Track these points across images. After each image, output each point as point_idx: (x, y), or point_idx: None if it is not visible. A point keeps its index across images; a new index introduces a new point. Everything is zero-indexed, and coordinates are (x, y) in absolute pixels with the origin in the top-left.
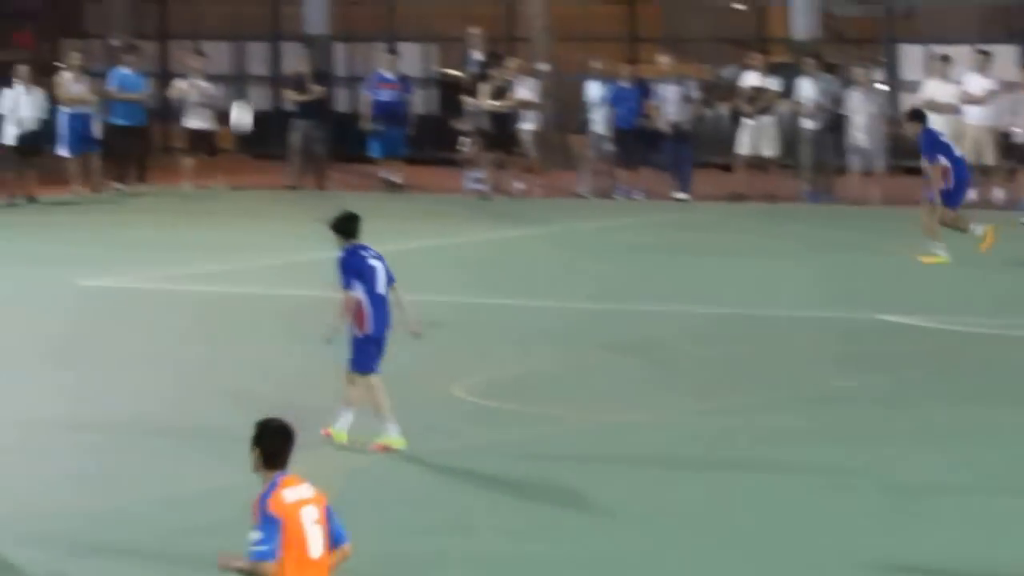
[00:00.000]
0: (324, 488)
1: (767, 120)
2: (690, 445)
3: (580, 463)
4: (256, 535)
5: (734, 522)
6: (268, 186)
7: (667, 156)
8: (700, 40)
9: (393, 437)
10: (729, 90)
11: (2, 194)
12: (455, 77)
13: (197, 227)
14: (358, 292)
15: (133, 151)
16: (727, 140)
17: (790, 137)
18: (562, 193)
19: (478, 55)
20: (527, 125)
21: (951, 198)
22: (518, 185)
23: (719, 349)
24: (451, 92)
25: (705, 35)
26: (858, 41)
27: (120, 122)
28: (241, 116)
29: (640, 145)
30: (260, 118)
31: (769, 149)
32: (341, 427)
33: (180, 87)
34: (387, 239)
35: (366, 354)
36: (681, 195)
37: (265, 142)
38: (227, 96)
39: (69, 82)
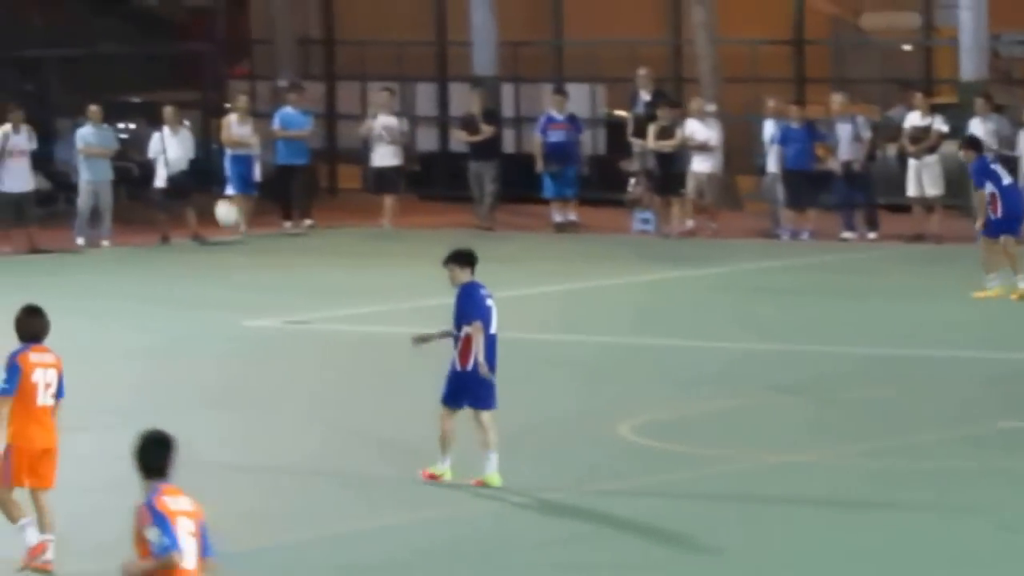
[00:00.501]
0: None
1: (931, 160)
2: (855, 487)
3: (744, 504)
4: (154, 532)
5: (905, 563)
6: (434, 226)
7: (837, 196)
8: (868, 81)
9: (490, 474)
10: (896, 131)
11: (156, 235)
12: (622, 118)
13: (361, 268)
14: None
15: (296, 190)
16: (895, 181)
17: (957, 177)
18: (729, 234)
19: (645, 96)
20: (702, 167)
21: (1001, 227)
22: (686, 225)
23: (883, 390)
24: (618, 133)
25: (873, 76)
26: None
27: (284, 161)
28: (227, 213)
29: (809, 185)
30: (427, 159)
31: (934, 189)
32: (442, 467)
33: (368, 125)
34: (554, 280)
35: (461, 390)
36: (848, 235)
37: (432, 183)
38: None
39: (233, 124)
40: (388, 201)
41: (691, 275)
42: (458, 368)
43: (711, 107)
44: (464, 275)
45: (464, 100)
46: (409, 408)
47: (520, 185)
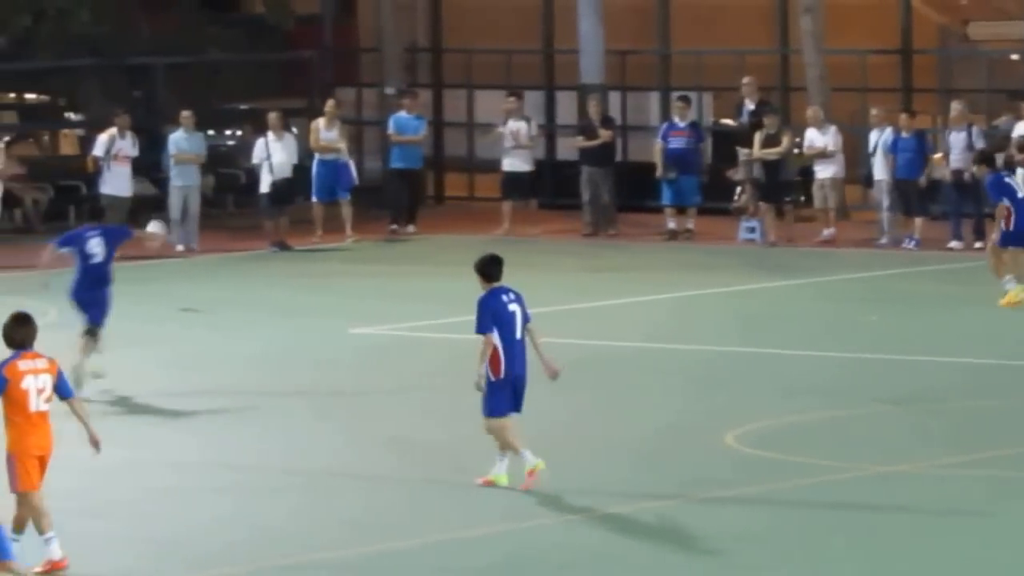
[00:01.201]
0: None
1: None
2: (960, 497)
3: (848, 514)
4: None
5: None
6: (545, 234)
7: (946, 205)
8: (975, 91)
9: (497, 474)
10: (1002, 140)
11: (263, 242)
12: (729, 126)
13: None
14: (494, 336)
15: (407, 195)
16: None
17: None
18: (836, 243)
19: (750, 104)
20: (824, 174)
21: (1011, 239)
22: (823, 234)
23: (989, 400)
24: (725, 142)
25: (979, 86)
26: None
27: (397, 165)
28: (156, 229)
29: (918, 194)
30: (536, 166)
31: None
32: (499, 471)
33: (499, 131)
34: (662, 288)
35: (500, 399)
36: (956, 244)
37: (539, 191)
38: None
39: (321, 129)
40: (506, 207)
41: (797, 284)
42: (492, 379)
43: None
44: (483, 284)
45: (571, 108)
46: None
47: (627, 193)
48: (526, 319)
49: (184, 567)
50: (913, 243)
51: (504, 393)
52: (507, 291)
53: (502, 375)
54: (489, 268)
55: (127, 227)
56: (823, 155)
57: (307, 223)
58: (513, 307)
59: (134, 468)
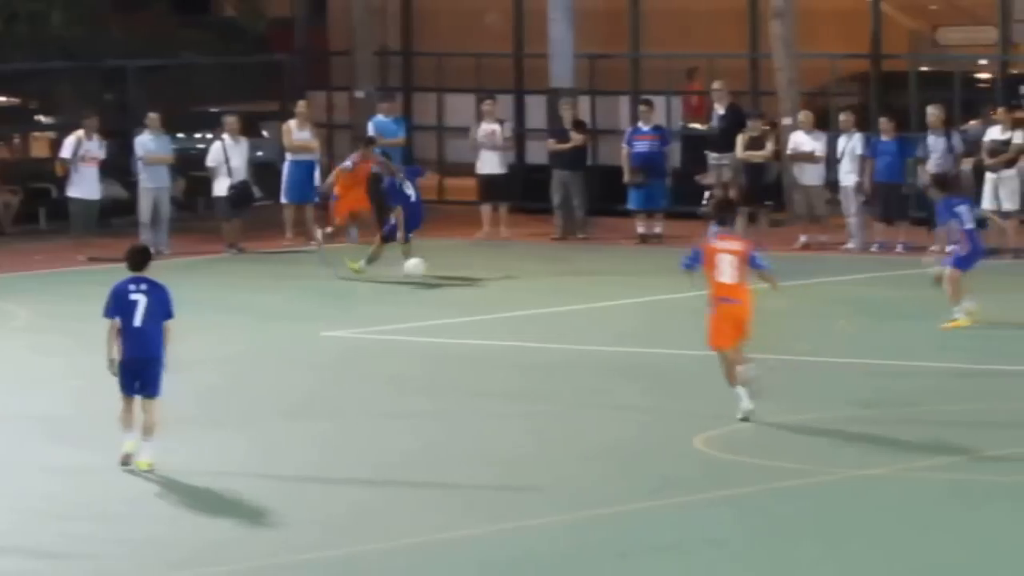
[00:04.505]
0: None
1: (1009, 174)
2: (930, 501)
3: (818, 517)
4: None
5: None
6: (515, 239)
7: (926, 209)
8: (945, 96)
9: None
10: (972, 145)
11: (221, 244)
12: (699, 130)
13: (435, 280)
14: (116, 321)
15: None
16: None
17: None
18: (812, 247)
19: (719, 109)
20: (810, 179)
21: (967, 262)
22: (800, 240)
23: (962, 405)
24: (695, 146)
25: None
26: None
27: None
28: (415, 266)
29: (899, 198)
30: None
31: (1011, 203)
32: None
33: (475, 134)
34: (632, 292)
35: (122, 381)
36: (936, 248)
37: (510, 195)
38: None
39: (293, 130)
40: (485, 211)
41: (767, 288)
42: (123, 359)
43: (788, 120)
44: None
45: (540, 112)
46: (494, 417)
47: (598, 197)
48: (164, 314)
49: (166, 568)
50: (883, 247)
51: (126, 374)
52: (140, 281)
53: (123, 357)
54: (129, 258)
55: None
56: (811, 159)
57: (277, 226)
58: (136, 296)
59: (107, 472)
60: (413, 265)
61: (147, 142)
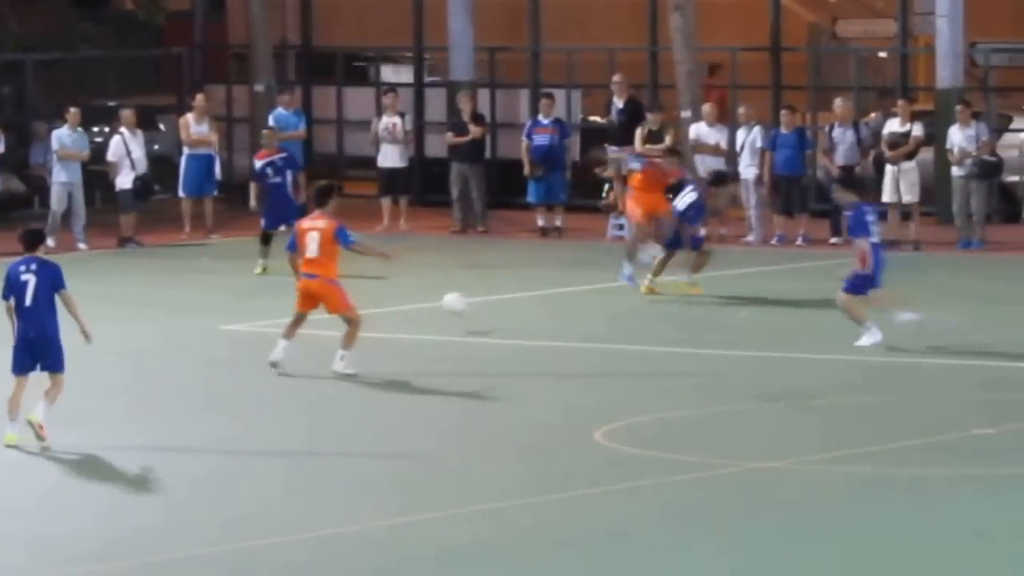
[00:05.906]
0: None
1: (909, 166)
2: (829, 493)
3: (718, 509)
4: None
5: (879, 570)
6: (414, 232)
7: (827, 202)
8: (844, 88)
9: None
10: (874, 138)
11: (120, 239)
12: (598, 124)
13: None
14: (10, 302)
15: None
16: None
17: (932, 184)
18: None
19: (618, 102)
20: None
21: (866, 284)
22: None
23: (864, 397)
24: (594, 139)
25: (849, 83)
26: (1003, 89)
27: None
28: (455, 301)
29: (800, 191)
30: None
31: (911, 195)
32: None
33: (376, 128)
34: (532, 285)
35: (16, 359)
36: (836, 240)
37: (410, 188)
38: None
39: (191, 123)
40: (385, 204)
41: (669, 281)
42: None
43: (687, 113)
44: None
45: (440, 104)
46: (391, 410)
47: (497, 190)
48: (55, 287)
49: (66, 563)
50: (783, 240)
51: (20, 353)
52: (31, 262)
53: (17, 337)
54: (22, 238)
55: None
56: (716, 152)
57: (176, 219)
58: (26, 276)
59: (13, 466)
60: (452, 300)
61: (64, 137)
